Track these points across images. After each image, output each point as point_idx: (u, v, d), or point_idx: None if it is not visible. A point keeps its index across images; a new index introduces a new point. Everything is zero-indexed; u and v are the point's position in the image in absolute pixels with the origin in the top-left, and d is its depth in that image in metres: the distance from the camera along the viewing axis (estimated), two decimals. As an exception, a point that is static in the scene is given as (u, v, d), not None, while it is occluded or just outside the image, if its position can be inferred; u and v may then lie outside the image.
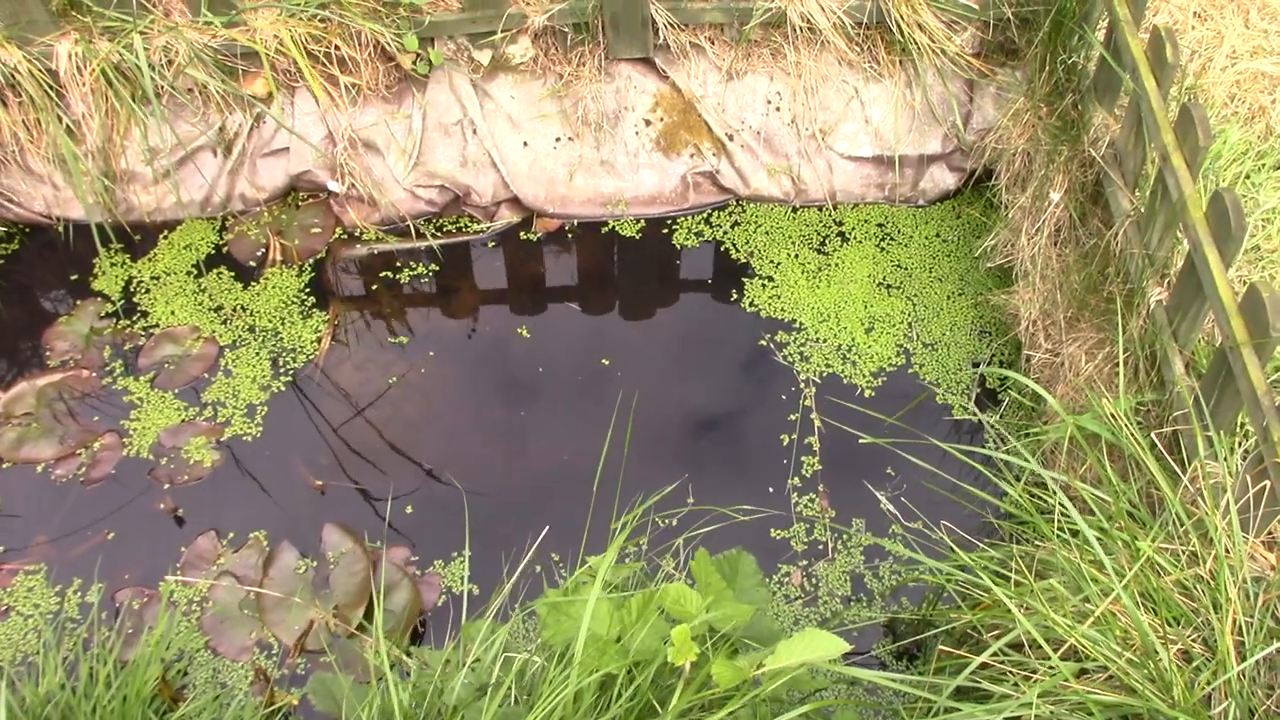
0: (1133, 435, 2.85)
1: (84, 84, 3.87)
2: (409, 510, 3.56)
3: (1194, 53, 3.63)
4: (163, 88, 3.92)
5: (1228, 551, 2.39)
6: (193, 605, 3.36)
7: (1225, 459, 2.68)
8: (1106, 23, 3.42)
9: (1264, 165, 3.35)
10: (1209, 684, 2.19)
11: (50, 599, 3.38)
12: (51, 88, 3.89)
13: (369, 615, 3.28)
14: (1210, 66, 3.58)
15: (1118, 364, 3.12)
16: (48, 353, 3.96)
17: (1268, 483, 2.47)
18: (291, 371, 3.92)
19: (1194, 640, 2.31)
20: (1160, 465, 2.76)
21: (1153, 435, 2.90)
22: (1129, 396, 3.05)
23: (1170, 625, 2.34)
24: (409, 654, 3.02)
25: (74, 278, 4.18)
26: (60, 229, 4.25)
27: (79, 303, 4.09)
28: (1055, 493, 2.54)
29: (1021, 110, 3.91)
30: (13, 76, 3.82)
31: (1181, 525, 2.53)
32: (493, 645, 2.47)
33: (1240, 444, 2.73)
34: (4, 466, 3.67)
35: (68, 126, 3.97)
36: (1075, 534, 2.58)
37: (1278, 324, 2.50)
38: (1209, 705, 2.19)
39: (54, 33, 3.82)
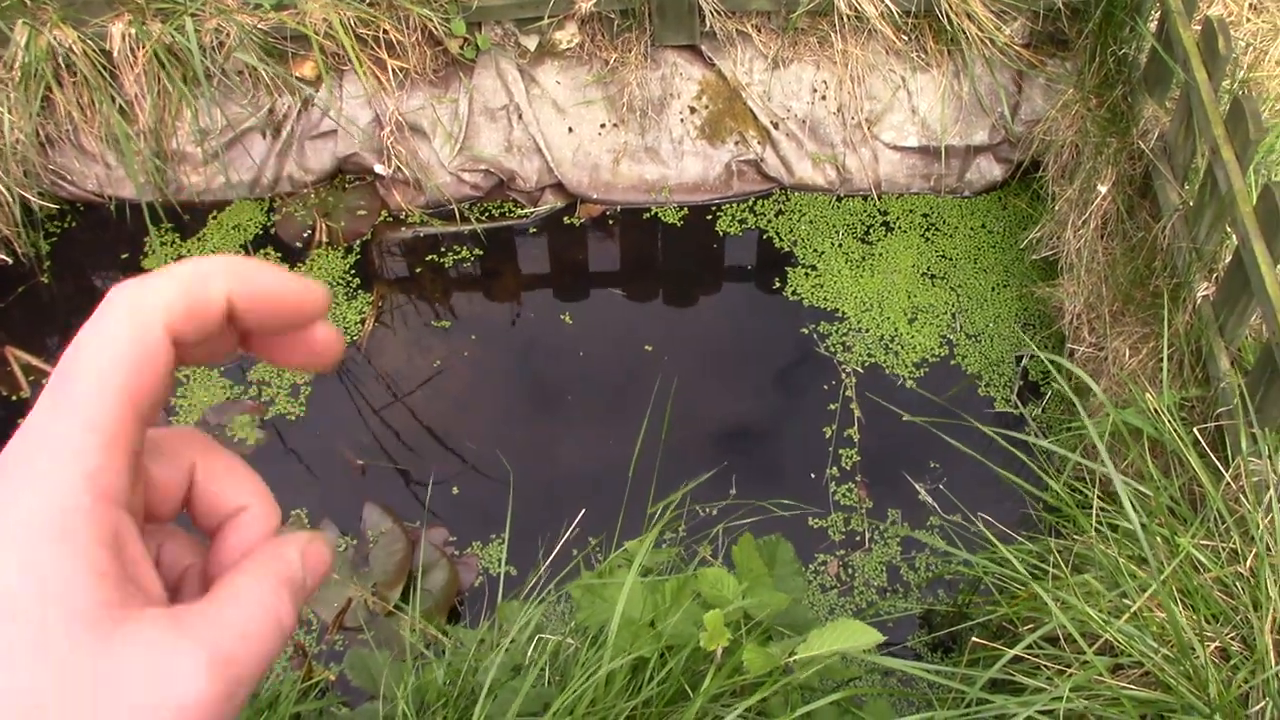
0: (1175, 430, 2.82)
1: (137, 65, 3.92)
2: (455, 491, 3.59)
3: (1248, 45, 3.58)
4: (213, 70, 3.97)
5: (1269, 549, 2.37)
6: (235, 580, 3.41)
7: (1270, 456, 2.65)
8: (1158, 14, 3.38)
9: (1317, 160, 3.30)
10: (1246, 682, 2.17)
11: (97, 571, 3.44)
12: (105, 68, 3.94)
13: (407, 594, 3.31)
14: (1265, 59, 3.53)
15: (1162, 359, 3.09)
16: (98, 330, 4.02)
17: (1312, 481, 2.44)
18: (335, 352, 3.95)
19: (1232, 638, 2.29)
20: (1203, 461, 2.73)
21: (1195, 431, 2.87)
22: (1173, 392, 3.02)
23: (1209, 622, 2.31)
24: (445, 633, 3.05)
25: (124, 256, 4.24)
26: (112, 208, 4.32)
27: (129, 281, 4.15)
28: (1094, 486, 2.52)
29: (1070, 102, 3.87)
30: (68, 57, 3.88)
31: (1223, 522, 2.51)
32: (527, 626, 2.49)
33: (1285, 442, 2.70)
34: (54, 440, 3.73)
35: (120, 107, 4.03)
36: (1114, 529, 2.56)
37: (1326, 321, 2.47)
38: (1246, 704, 2.17)
39: (108, 14, 3.87)
